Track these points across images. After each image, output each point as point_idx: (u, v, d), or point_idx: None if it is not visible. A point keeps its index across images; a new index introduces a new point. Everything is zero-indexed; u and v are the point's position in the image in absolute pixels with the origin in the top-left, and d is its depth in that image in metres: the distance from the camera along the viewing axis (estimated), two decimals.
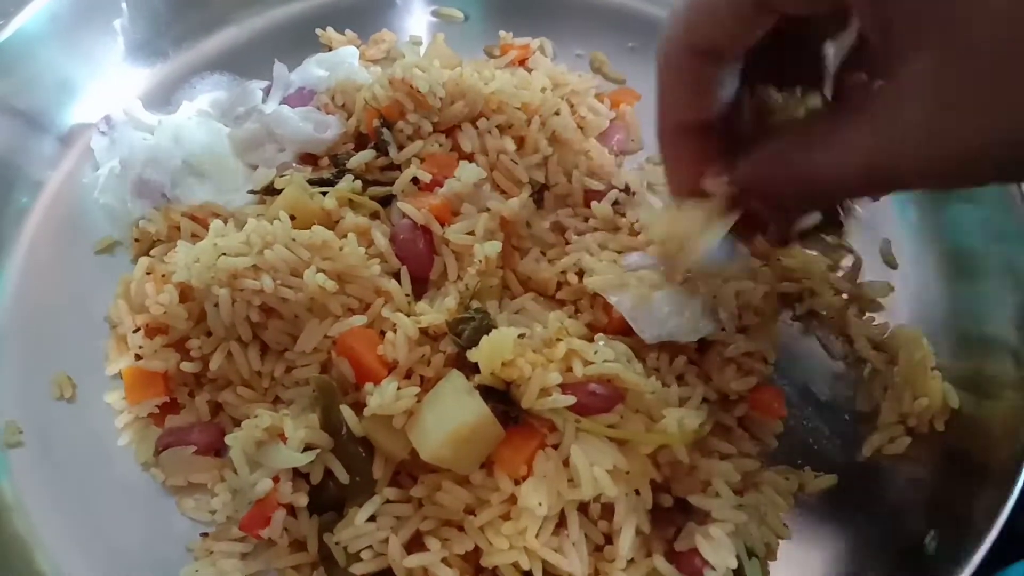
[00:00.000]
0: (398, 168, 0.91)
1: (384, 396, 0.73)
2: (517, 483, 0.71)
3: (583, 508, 0.72)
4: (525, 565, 0.70)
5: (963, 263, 0.94)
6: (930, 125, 0.54)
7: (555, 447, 0.71)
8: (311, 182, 0.89)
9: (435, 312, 0.78)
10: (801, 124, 0.66)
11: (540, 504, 0.69)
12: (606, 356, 0.72)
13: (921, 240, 0.97)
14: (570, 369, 0.71)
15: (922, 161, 0.55)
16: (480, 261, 0.81)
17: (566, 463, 0.70)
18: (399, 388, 0.74)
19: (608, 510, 0.71)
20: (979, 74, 0.52)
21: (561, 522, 0.71)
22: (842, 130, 0.58)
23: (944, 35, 0.52)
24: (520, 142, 0.93)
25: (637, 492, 0.72)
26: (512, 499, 0.70)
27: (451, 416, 0.70)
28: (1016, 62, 0.50)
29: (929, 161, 0.55)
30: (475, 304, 0.79)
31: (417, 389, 0.74)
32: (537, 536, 0.70)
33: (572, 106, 1.00)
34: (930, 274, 0.95)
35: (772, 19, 0.61)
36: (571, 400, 0.70)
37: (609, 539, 0.72)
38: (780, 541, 0.77)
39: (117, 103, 1.05)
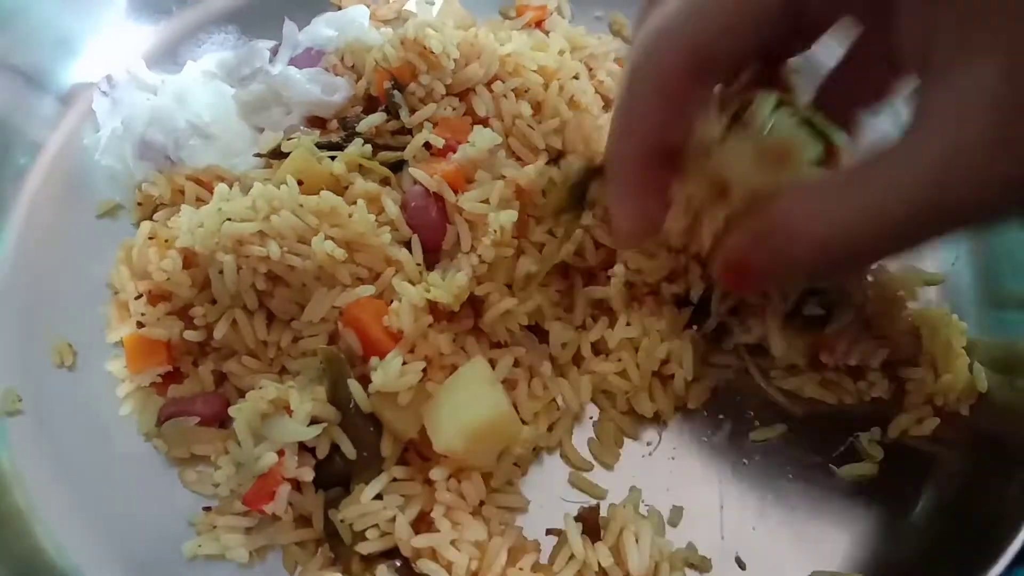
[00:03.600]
0: (409, 132, 0.88)
1: (388, 372, 0.71)
2: None
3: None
4: None
5: None
6: (1005, 134, 0.47)
7: None
8: (319, 146, 0.86)
9: (444, 289, 0.75)
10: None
11: None
12: None
13: None
14: None
15: (994, 185, 0.48)
16: (495, 231, 0.77)
17: None
18: (404, 363, 0.71)
19: None
20: None
21: None
22: (880, 167, 0.50)
23: (1013, 40, 0.47)
24: (537, 107, 0.90)
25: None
26: None
27: (467, 408, 0.68)
28: None
29: (1003, 184, 0.48)
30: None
31: (423, 364, 0.72)
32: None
33: (591, 70, 0.97)
34: None
35: (787, 24, 0.54)
36: None
37: None
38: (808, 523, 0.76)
39: (119, 62, 1.02)
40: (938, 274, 0.89)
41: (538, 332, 0.83)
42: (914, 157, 0.49)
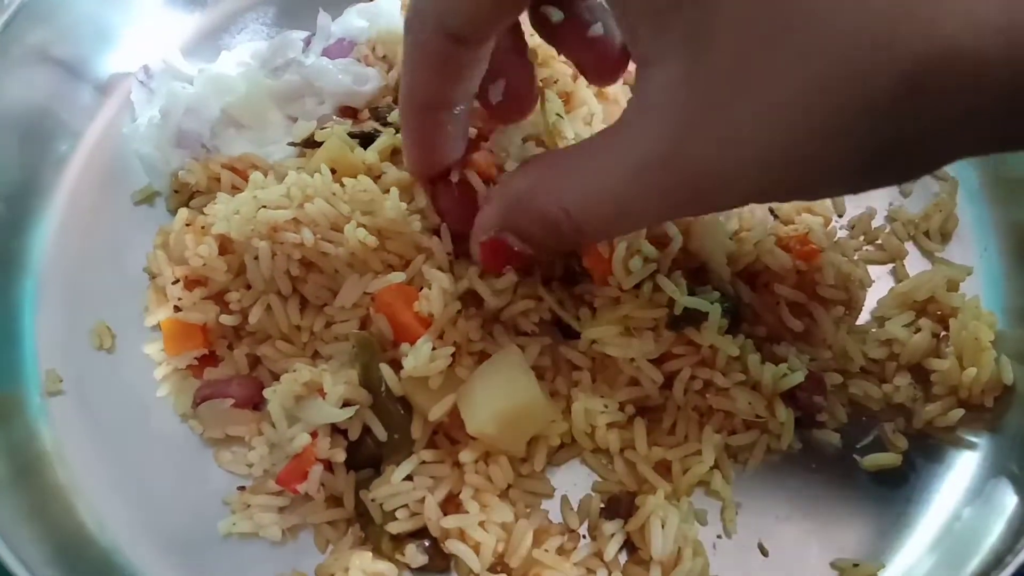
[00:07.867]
0: None
1: (418, 358, 0.72)
2: None
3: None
4: None
5: None
6: (676, 151, 0.46)
7: None
8: (351, 135, 0.87)
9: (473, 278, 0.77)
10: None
11: None
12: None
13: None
14: None
15: (670, 191, 0.48)
16: None
17: None
18: (434, 348, 0.73)
19: None
20: (722, 85, 0.42)
21: None
22: (598, 155, 0.53)
23: (692, 43, 0.43)
24: (567, 98, 0.90)
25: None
26: None
27: (501, 394, 0.69)
28: (753, 73, 0.41)
29: (679, 190, 0.48)
30: None
31: (452, 349, 0.73)
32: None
33: None
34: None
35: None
36: None
37: None
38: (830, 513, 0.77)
39: (156, 52, 1.04)
40: (966, 267, 0.88)
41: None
42: (616, 156, 0.51)
